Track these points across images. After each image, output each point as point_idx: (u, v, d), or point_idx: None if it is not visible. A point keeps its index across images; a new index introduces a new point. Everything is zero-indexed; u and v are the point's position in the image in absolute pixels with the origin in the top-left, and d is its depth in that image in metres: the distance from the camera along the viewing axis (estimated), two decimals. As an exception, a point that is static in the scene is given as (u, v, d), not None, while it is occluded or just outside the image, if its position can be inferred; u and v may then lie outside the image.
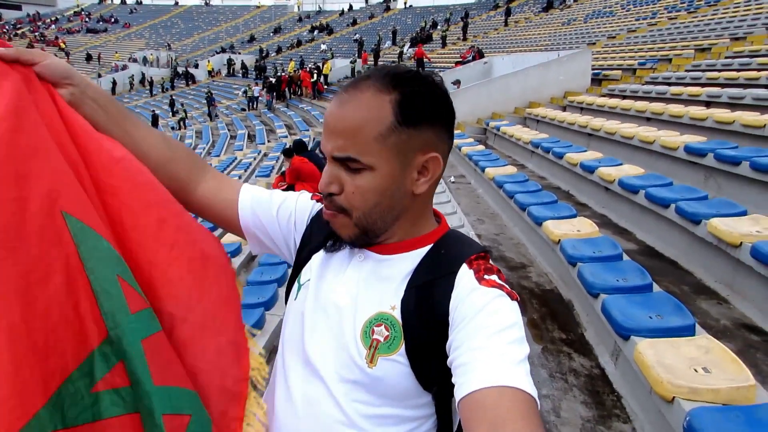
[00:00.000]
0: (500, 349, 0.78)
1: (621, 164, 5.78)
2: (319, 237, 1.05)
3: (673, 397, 2.16)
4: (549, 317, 3.78)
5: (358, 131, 0.86)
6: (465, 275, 0.89)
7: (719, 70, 9.10)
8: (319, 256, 1.04)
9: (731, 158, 4.78)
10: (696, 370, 2.28)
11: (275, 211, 1.11)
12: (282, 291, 4.48)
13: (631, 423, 2.64)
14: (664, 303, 2.89)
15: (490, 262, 0.95)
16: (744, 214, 3.82)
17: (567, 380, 3.04)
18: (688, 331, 2.61)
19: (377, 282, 0.94)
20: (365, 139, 0.86)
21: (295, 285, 1.06)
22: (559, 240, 4.05)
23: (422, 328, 0.87)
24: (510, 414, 0.70)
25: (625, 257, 3.68)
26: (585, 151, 6.85)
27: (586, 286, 3.31)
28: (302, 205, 1.12)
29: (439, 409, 0.91)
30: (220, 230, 8.33)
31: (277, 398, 0.98)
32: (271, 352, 3.81)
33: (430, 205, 0.99)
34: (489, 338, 0.79)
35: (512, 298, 0.86)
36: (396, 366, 0.88)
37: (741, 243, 3.34)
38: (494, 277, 0.88)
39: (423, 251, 0.95)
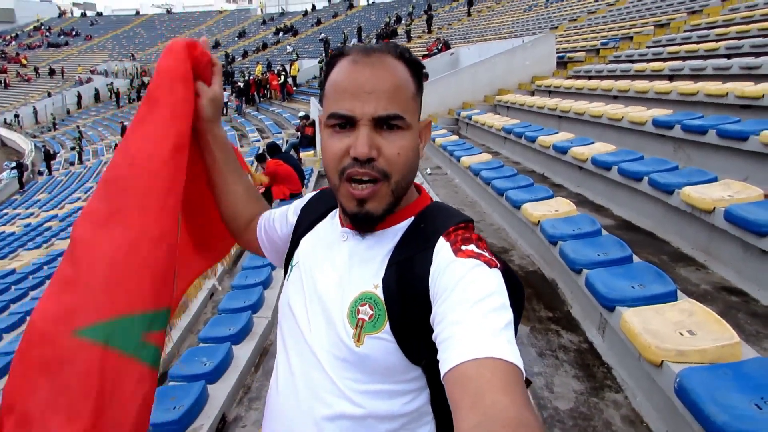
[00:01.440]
0: (479, 320, 0.77)
1: (593, 143, 5.87)
2: (308, 222, 1.11)
3: (662, 361, 2.20)
4: (534, 297, 3.83)
5: (400, 90, 0.89)
6: (442, 248, 0.89)
7: (679, 44, 9.26)
8: (307, 240, 1.08)
9: (698, 128, 4.89)
10: (681, 333, 2.34)
11: (275, 222, 1.22)
12: (267, 293, 4.46)
13: (623, 392, 2.69)
14: (644, 272, 2.95)
15: (473, 231, 0.96)
16: (715, 180, 3.91)
17: (557, 357, 3.08)
18: (670, 297, 2.67)
19: (361, 261, 0.95)
20: (406, 98, 0.90)
21: (289, 267, 1.10)
22: (539, 221, 4.11)
23: (404, 304, 0.88)
24: (490, 384, 0.70)
25: (604, 232, 3.75)
26: (557, 133, 6.92)
27: (569, 262, 3.36)
28: (296, 204, 1.20)
29: (431, 381, 0.92)
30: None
31: (279, 374, 1.02)
32: (261, 354, 3.80)
33: None
34: (467, 311, 0.79)
35: (491, 266, 0.85)
36: (382, 343, 0.89)
37: (714, 208, 3.43)
38: (471, 247, 0.88)
39: (404, 225, 0.97)
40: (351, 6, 49.43)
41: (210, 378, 3.11)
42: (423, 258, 0.89)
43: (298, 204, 1.20)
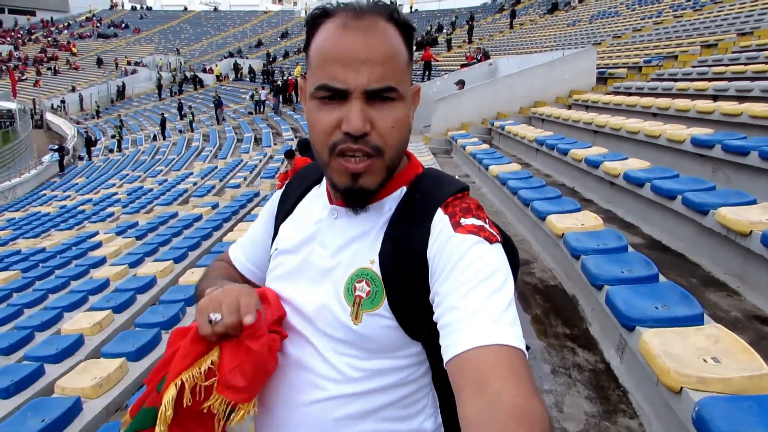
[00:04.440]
0: (479, 305, 0.75)
1: (626, 158, 5.66)
2: (288, 206, 1.06)
3: (681, 388, 2.04)
4: (553, 312, 3.67)
5: (393, 59, 0.83)
6: (440, 221, 0.86)
7: (726, 65, 8.94)
8: (288, 224, 1.04)
9: (740, 149, 4.65)
10: (705, 360, 2.17)
11: (255, 242, 1.14)
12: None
13: (638, 418, 2.53)
14: (670, 293, 2.78)
15: (470, 198, 0.91)
16: (753, 203, 3.68)
17: (570, 375, 2.93)
18: (696, 321, 2.49)
19: (354, 238, 0.91)
20: (400, 67, 0.84)
21: (270, 257, 1.05)
22: (563, 233, 3.94)
23: (402, 279, 0.86)
24: (494, 370, 0.68)
25: (630, 249, 3.57)
26: (590, 146, 6.73)
27: (590, 278, 3.19)
28: (272, 199, 1.14)
29: (431, 354, 0.89)
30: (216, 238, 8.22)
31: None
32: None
33: None
34: (467, 295, 0.76)
35: (491, 242, 0.82)
36: (381, 320, 0.87)
37: (751, 231, 3.22)
38: (471, 221, 0.84)
39: (397, 196, 0.92)
40: (394, 12, 49.57)
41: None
42: (420, 231, 0.86)
43: (275, 197, 1.13)
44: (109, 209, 12.97)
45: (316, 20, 0.87)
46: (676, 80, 9.26)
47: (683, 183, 4.40)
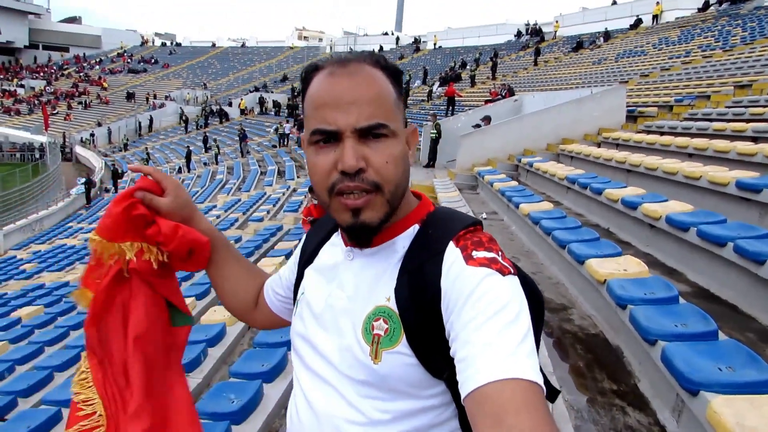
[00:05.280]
0: (493, 339, 0.74)
1: (666, 200, 5.44)
2: (311, 250, 1.08)
3: (762, 468, 1.82)
4: (596, 365, 3.43)
5: (381, 98, 0.86)
6: (452, 254, 0.86)
7: (763, 106, 8.72)
8: (312, 268, 1.06)
9: (791, 194, 4.42)
10: (784, 435, 1.94)
11: (281, 278, 1.19)
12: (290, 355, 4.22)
13: (703, 493, 2.28)
14: (734, 353, 2.54)
15: (482, 232, 0.91)
16: (813, 253, 3.45)
17: (623, 439, 2.69)
18: (767, 387, 2.26)
19: (370, 276, 0.92)
20: (389, 105, 0.87)
21: (295, 303, 1.07)
22: (605, 280, 3.73)
23: (419, 315, 0.85)
24: (511, 405, 0.68)
25: (681, 300, 3.34)
26: (625, 186, 6.51)
27: (641, 331, 2.97)
28: (300, 244, 1.17)
29: (455, 395, 0.86)
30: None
31: (298, 409, 0.98)
32: None
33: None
34: (480, 329, 0.76)
35: (504, 273, 0.81)
36: (400, 358, 0.86)
37: (816, 286, 2.99)
38: (483, 254, 0.84)
39: (410, 233, 0.93)
40: (418, 49, 50.36)
41: (235, 419, 2.89)
42: (433, 264, 0.86)
43: (299, 249, 1.17)
44: (135, 241, 12.98)
45: (308, 75, 0.92)
46: (711, 120, 9.05)
47: (732, 229, 4.16)
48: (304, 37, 79.87)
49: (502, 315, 0.76)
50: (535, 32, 39.29)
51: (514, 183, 8.86)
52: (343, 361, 0.91)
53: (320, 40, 75.23)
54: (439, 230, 0.91)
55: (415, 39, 53.73)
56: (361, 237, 0.91)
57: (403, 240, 0.93)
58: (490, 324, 0.75)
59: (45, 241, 17.30)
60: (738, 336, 3.33)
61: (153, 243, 1.07)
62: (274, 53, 65.01)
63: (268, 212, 13.47)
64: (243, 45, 72.34)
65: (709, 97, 11.22)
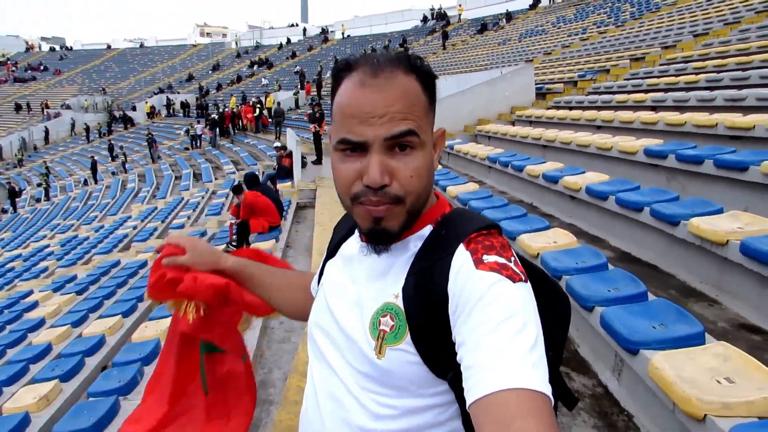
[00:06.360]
0: (501, 347, 0.74)
1: (584, 172, 5.73)
2: (333, 245, 1.11)
3: (705, 415, 1.96)
4: (538, 336, 3.57)
5: (411, 108, 0.86)
6: (461, 257, 0.85)
7: (658, 77, 9.37)
8: (332, 262, 1.08)
9: (693, 158, 4.78)
10: (719, 382, 2.09)
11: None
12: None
13: (650, 444, 2.44)
14: (664, 311, 2.72)
15: (498, 237, 0.90)
16: (720, 212, 3.75)
17: (571, 403, 2.81)
18: (698, 339, 2.44)
19: (381, 273, 0.94)
20: (419, 114, 0.87)
21: (317, 293, 1.11)
22: (539, 253, 3.88)
23: (425, 315, 0.86)
24: (518, 411, 0.68)
25: (611, 266, 3.54)
26: (544, 162, 6.80)
27: (579, 299, 3.11)
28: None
29: (458, 395, 0.85)
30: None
31: (306, 397, 1.03)
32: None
33: None
34: (488, 336, 0.75)
35: (515, 280, 0.80)
36: (403, 355, 0.86)
37: (728, 241, 3.25)
38: (493, 258, 0.83)
39: (424, 234, 0.93)
40: (326, 39, 49.93)
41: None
42: (442, 266, 0.86)
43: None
44: (42, 264, 11.90)
45: (339, 73, 0.91)
46: (612, 93, 9.61)
47: (647, 195, 4.45)
48: (207, 34, 77.19)
49: (510, 323, 0.75)
50: (441, 16, 40.12)
51: (438, 166, 9.01)
52: (349, 351, 0.93)
53: (224, 35, 73.07)
54: (452, 232, 0.91)
55: (323, 29, 53.23)
56: (380, 241, 0.92)
57: (416, 240, 0.93)
58: (497, 332, 0.75)
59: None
60: (663, 294, 3.58)
61: (185, 297, 1.25)
62: (177, 52, 62.27)
63: (189, 218, 12.94)
64: (142, 45, 68.80)
65: (608, 71, 11.90)
